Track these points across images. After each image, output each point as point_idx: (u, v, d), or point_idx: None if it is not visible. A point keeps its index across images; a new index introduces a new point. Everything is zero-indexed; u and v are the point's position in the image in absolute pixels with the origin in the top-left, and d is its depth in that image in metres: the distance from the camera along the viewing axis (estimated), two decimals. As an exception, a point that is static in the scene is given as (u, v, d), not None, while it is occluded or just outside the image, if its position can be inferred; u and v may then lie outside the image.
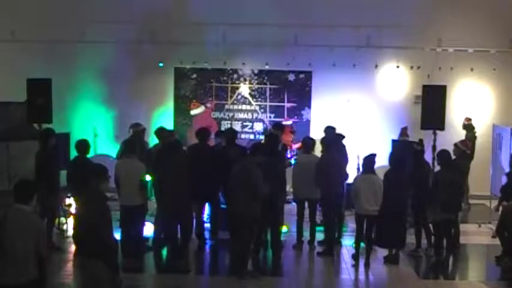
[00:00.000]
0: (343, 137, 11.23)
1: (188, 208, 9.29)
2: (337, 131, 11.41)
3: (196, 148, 10.25)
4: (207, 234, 10.44)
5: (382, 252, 9.87)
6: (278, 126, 11.68)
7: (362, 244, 9.65)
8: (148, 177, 9.67)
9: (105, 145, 14.03)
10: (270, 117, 14.23)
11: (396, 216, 9.42)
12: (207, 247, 10.25)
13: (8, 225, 5.85)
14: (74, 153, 10.47)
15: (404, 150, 11.17)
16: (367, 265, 9.41)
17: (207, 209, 10.60)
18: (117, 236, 8.25)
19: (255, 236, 9.28)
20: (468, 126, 13.02)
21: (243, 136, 14.00)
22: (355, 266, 9.44)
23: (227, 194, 9.58)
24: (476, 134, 13.02)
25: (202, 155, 9.94)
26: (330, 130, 11.24)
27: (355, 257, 9.54)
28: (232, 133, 10.66)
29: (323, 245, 10.25)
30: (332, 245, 9.99)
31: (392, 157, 9.93)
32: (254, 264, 9.14)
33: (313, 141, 10.56)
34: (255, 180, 8.70)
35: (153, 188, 9.92)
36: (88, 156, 9.97)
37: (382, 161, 13.27)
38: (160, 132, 10.65)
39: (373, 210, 9.32)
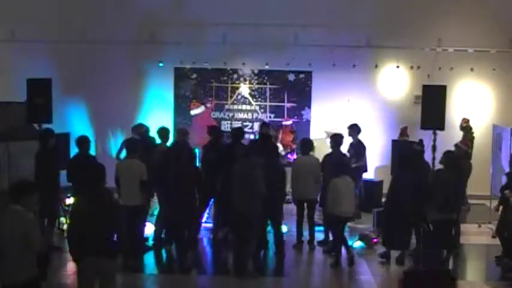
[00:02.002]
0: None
1: (194, 207, 9.31)
2: (337, 131, 11.43)
3: (209, 146, 10.36)
4: (206, 234, 10.46)
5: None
6: (266, 125, 12.04)
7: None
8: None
9: (105, 145, 14.05)
10: (270, 117, 14.22)
11: (403, 217, 9.43)
12: (207, 246, 10.24)
13: (4, 225, 5.93)
14: (74, 152, 10.50)
15: (404, 150, 11.18)
16: (336, 264, 9.41)
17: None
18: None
19: (257, 236, 9.29)
20: (466, 128, 12.97)
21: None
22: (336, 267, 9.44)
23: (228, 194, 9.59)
24: (474, 135, 12.98)
25: (217, 153, 9.99)
26: (355, 128, 11.28)
27: (336, 260, 9.51)
28: (239, 132, 10.68)
29: (323, 245, 10.27)
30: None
31: (401, 158, 9.95)
32: (254, 264, 9.15)
33: (311, 142, 10.56)
34: (256, 179, 8.71)
35: (155, 188, 9.92)
36: (89, 153, 10.04)
37: (382, 161, 13.42)
38: (163, 131, 10.68)
39: (351, 212, 9.45)
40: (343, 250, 9.58)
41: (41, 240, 6.09)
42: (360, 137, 11.71)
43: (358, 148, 11.29)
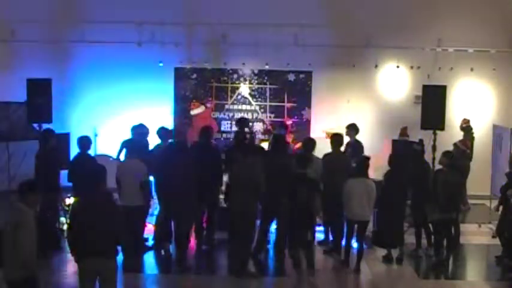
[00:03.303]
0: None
1: (195, 208, 9.31)
2: (337, 131, 11.42)
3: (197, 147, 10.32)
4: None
5: (381, 252, 9.88)
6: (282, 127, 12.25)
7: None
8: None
9: (105, 145, 14.03)
10: (270, 117, 14.22)
11: (394, 216, 9.44)
12: (204, 248, 10.22)
13: (10, 224, 6.01)
14: (74, 153, 10.50)
15: (404, 150, 11.18)
16: (346, 264, 9.36)
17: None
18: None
19: (258, 235, 9.28)
20: (466, 128, 12.97)
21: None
22: (346, 265, 9.39)
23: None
24: (474, 135, 12.98)
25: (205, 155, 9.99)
26: (353, 128, 11.43)
27: (346, 257, 9.48)
28: (241, 135, 10.64)
29: (323, 245, 10.28)
30: (339, 245, 9.96)
31: (392, 157, 9.93)
32: (256, 265, 9.14)
33: (313, 141, 10.55)
34: (257, 179, 8.69)
35: (155, 188, 9.93)
36: (89, 153, 10.06)
37: (382, 161, 13.38)
38: (162, 132, 10.67)
39: (365, 215, 9.25)
40: (345, 251, 9.58)
41: (31, 246, 6.08)
42: (358, 136, 11.70)
43: (356, 148, 11.31)
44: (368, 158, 9.58)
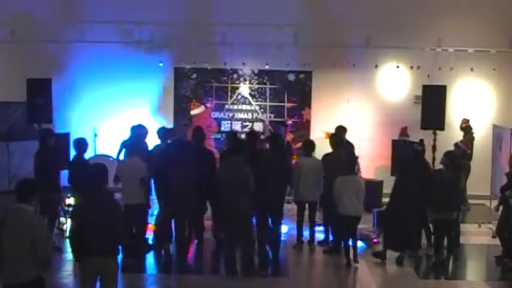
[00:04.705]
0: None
1: (197, 207, 9.30)
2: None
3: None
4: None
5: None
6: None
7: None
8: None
9: (105, 145, 14.04)
10: (270, 117, 14.22)
11: (406, 218, 9.43)
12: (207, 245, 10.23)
13: (8, 224, 5.93)
14: (73, 153, 10.51)
15: (404, 150, 11.19)
16: (348, 264, 9.36)
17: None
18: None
19: (251, 234, 9.27)
20: (466, 128, 12.97)
21: (243, 136, 13.97)
22: (349, 266, 9.40)
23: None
24: (474, 135, 12.98)
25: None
26: (341, 130, 11.37)
27: (347, 257, 9.49)
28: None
29: (323, 245, 10.27)
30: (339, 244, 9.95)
31: (402, 160, 9.96)
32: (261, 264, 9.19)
33: (313, 143, 10.55)
34: (246, 178, 8.68)
35: (155, 188, 9.92)
36: (87, 155, 10.03)
37: (382, 161, 13.40)
38: (162, 132, 10.67)
39: (355, 211, 9.31)
40: (345, 250, 9.57)
41: (45, 246, 6.07)
42: (357, 136, 11.69)
43: (347, 148, 11.31)
44: (356, 157, 9.76)
